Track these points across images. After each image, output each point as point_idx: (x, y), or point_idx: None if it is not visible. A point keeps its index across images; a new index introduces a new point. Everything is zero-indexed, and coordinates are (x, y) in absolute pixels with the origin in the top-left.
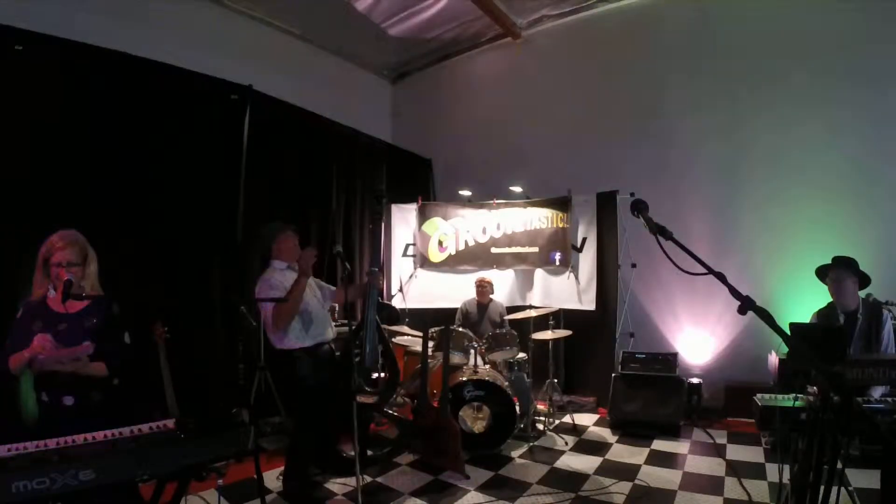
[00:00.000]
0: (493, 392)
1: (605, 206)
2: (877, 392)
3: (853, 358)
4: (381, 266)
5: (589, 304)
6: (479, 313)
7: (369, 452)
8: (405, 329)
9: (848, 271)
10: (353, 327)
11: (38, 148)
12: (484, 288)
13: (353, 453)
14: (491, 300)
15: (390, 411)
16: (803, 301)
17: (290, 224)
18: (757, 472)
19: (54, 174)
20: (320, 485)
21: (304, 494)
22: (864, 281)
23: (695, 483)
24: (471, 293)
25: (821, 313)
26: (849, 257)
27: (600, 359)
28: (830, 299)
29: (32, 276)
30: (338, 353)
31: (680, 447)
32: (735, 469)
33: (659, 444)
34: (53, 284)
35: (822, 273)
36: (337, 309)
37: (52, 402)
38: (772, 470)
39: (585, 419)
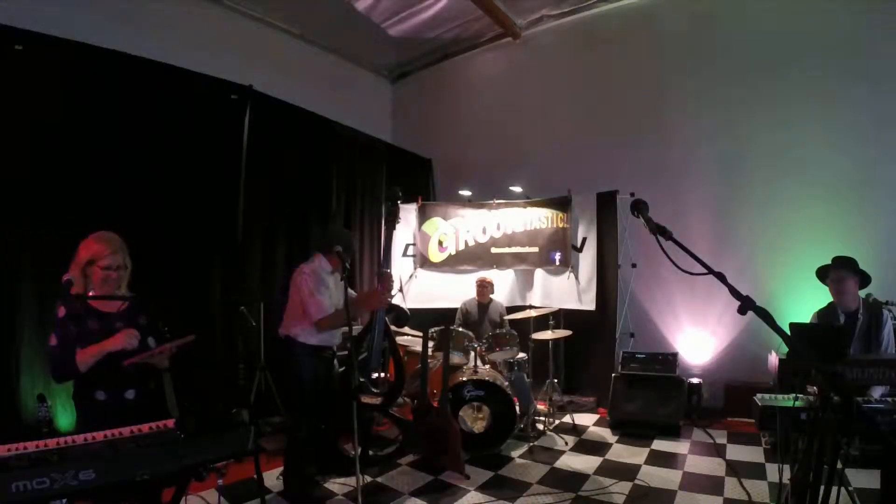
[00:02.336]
0: (493, 392)
1: (605, 206)
2: (877, 392)
3: (853, 358)
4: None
5: (589, 304)
6: (480, 313)
7: (370, 452)
8: (405, 329)
9: (849, 271)
10: (362, 327)
11: (38, 148)
12: (484, 288)
13: (353, 453)
14: (491, 300)
15: (392, 412)
16: (803, 301)
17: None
18: (757, 472)
19: (54, 174)
20: (320, 485)
21: (305, 494)
22: (864, 280)
23: (695, 483)
24: (471, 293)
25: (821, 313)
26: (849, 257)
27: (600, 359)
28: (830, 299)
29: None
30: (342, 353)
31: (680, 447)
32: (735, 469)
33: (659, 444)
34: (94, 286)
35: (823, 274)
36: None
37: (112, 399)
38: (772, 470)
39: (585, 419)
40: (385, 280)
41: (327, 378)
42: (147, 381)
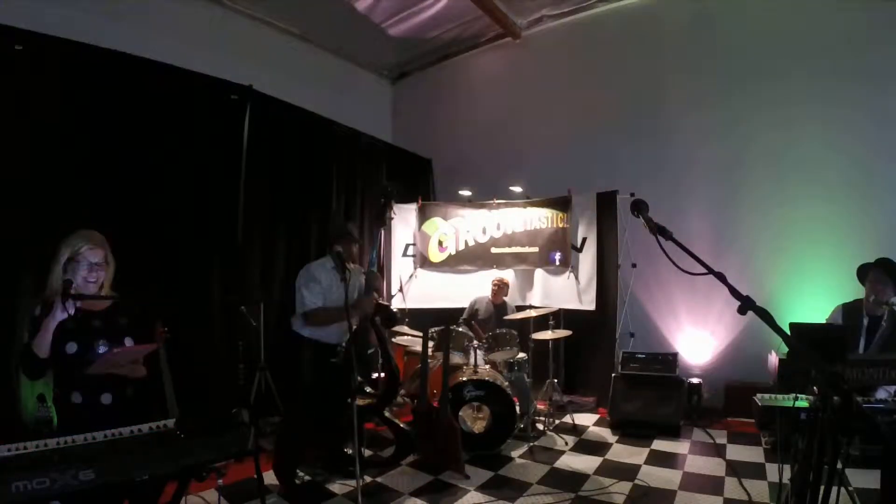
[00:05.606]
0: (493, 392)
1: (605, 206)
2: (882, 393)
3: (853, 358)
4: (380, 266)
5: (589, 304)
6: (495, 314)
7: (367, 452)
8: (405, 329)
9: (891, 278)
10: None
11: (38, 148)
12: (500, 289)
13: (352, 453)
14: (504, 301)
15: (388, 416)
16: (803, 301)
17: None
18: (757, 472)
19: (54, 174)
20: (321, 485)
21: (305, 495)
22: None
23: (695, 483)
24: (472, 293)
25: (847, 307)
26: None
27: (600, 359)
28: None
29: (50, 272)
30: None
31: (680, 447)
32: (735, 469)
33: (659, 444)
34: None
35: (863, 272)
36: None
37: (88, 402)
38: (772, 470)
39: (585, 419)
40: (371, 280)
41: (325, 376)
42: (125, 387)
